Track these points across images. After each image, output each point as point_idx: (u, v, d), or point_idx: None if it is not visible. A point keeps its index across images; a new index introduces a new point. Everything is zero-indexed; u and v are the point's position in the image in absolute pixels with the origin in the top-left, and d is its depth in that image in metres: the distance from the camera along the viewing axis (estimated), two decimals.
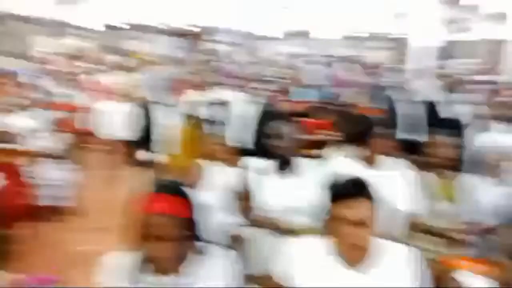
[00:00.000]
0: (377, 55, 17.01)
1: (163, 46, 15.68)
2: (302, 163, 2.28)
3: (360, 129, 2.38)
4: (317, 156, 4.32)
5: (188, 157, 2.16)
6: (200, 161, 2.25)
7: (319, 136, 5.18)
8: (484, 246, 2.16)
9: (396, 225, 2.30)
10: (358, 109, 6.28)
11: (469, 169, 3.32)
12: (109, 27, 15.56)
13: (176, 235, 1.27)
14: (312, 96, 7.57)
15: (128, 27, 15.79)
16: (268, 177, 2.25)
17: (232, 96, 5.72)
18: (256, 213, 2.27)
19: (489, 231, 2.32)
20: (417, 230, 2.40)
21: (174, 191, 1.34)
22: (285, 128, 2.23)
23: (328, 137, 4.57)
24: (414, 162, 2.78)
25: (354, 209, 1.34)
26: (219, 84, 6.57)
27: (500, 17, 11.04)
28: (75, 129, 6.37)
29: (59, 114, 5.39)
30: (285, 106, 5.81)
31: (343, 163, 2.37)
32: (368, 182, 1.42)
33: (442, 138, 2.49)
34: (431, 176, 2.53)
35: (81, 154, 6.48)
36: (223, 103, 4.35)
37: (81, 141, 6.90)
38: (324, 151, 3.92)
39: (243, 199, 2.35)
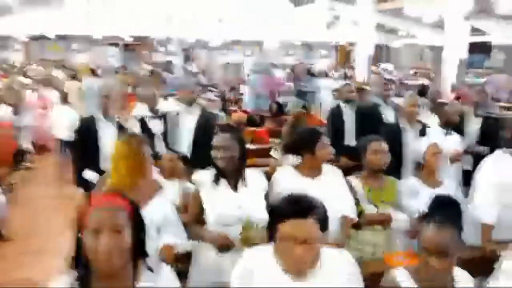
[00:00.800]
0: (320, 62, 17.72)
1: (103, 57, 15.19)
2: (248, 174, 2.27)
3: (307, 140, 2.41)
4: (264, 165, 4.37)
5: (131, 176, 2.06)
6: (146, 179, 2.15)
7: (267, 145, 5.21)
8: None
9: (339, 229, 2.39)
10: (307, 118, 6.45)
11: (409, 172, 3.53)
12: (47, 39, 14.81)
13: (120, 225, 1.24)
14: (260, 105, 7.61)
15: (68, 38, 15.13)
16: (213, 190, 2.21)
17: (177, 106, 5.62)
18: (204, 227, 2.23)
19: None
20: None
21: (113, 192, 1.37)
22: (228, 140, 2.21)
23: (276, 146, 4.61)
24: (356, 167, 2.90)
25: (301, 229, 1.36)
26: (164, 95, 6.45)
27: (439, 26, 11.80)
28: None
29: None
30: (233, 116, 5.80)
31: (289, 175, 2.39)
32: (315, 200, 1.45)
33: (378, 144, 2.60)
34: (365, 180, 2.64)
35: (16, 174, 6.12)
36: (167, 115, 4.22)
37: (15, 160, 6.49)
38: (272, 161, 3.95)
39: (190, 213, 2.31)
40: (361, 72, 12.99)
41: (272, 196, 2.26)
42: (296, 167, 2.43)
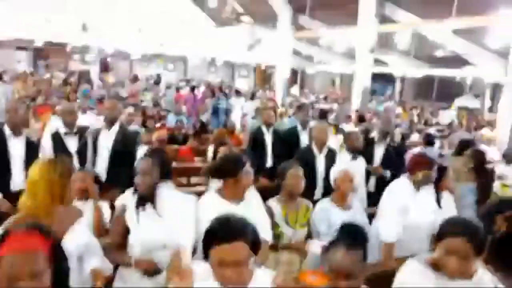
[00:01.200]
0: (241, 82, 18.15)
1: (10, 61, 13.86)
2: (174, 198, 2.28)
3: (231, 166, 2.45)
4: (189, 185, 4.36)
5: (52, 202, 1.93)
6: (65, 204, 2.04)
7: (191, 163, 5.19)
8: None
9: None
10: (230, 137, 6.55)
11: (320, 194, 3.79)
12: None
13: (39, 270, 1.17)
14: (181, 122, 7.51)
15: None
16: (137, 214, 2.19)
17: (95, 121, 5.35)
18: (127, 251, 2.20)
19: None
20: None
21: (30, 228, 1.26)
22: (150, 165, 2.19)
23: (200, 165, 4.63)
24: (274, 188, 3.04)
25: (230, 253, 1.41)
26: (80, 107, 6.11)
27: (351, 55, 12.89)
28: None
29: None
30: (158, 133, 5.65)
31: (213, 200, 2.43)
32: (243, 222, 1.51)
33: (297, 171, 2.79)
34: (283, 203, 2.81)
35: None
36: (84, 132, 4.01)
37: None
38: (197, 179, 3.97)
39: (113, 236, 2.26)
40: (278, 94, 13.67)
41: (197, 221, 2.27)
42: (219, 191, 2.48)
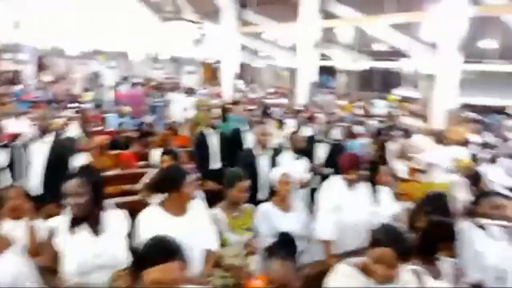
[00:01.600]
0: (188, 78, 17.84)
1: None
2: (109, 216, 2.21)
3: (173, 179, 2.38)
4: (131, 192, 4.21)
5: None
6: None
7: (133, 169, 5.02)
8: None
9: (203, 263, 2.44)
10: (176, 138, 6.41)
11: (267, 198, 3.80)
12: None
13: None
14: (123, 125, 7.24)
15: None
16: (70, 236, 2.11)
17: (26, 128, 5.02)
18: (60, 275, 2.11)
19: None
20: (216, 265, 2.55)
21: None
22: (80, 185, 2.11)
23: (143, 171, 4.51)
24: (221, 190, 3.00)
25: (164, 274, 1.43)
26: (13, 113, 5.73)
27: (293, 49, 13.09)
28: None
29: None
30: (94, 139, 5.39)
31: (155, 214, 2.36)
32: (176, 242, 1.52)
33: (245, 183, 2.76)
34: (226, 209, 2.79)
35: None
36: (13, 143, 3.75)
37: None
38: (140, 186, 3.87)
39: (44, 260, 2.16)
40: (226, 89, 13.62)
41: (137, 237, 2.23)
42: (162, 204, 2.39)
